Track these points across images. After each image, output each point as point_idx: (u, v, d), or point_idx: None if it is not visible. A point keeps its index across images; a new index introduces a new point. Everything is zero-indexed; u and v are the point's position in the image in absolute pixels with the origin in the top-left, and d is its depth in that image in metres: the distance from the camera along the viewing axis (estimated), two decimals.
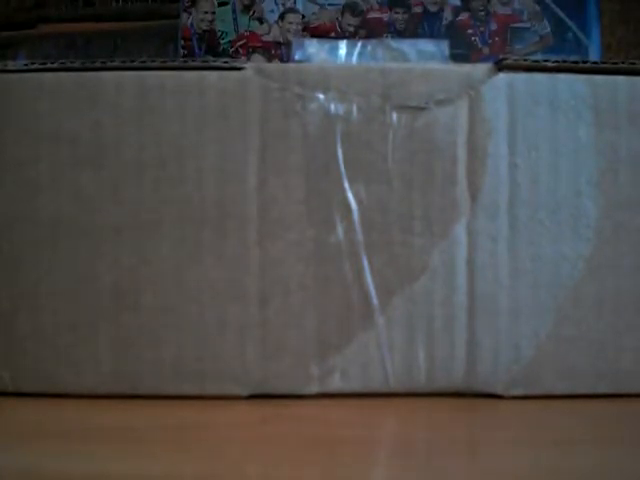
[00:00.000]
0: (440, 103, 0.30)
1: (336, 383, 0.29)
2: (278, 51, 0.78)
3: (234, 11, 0.79)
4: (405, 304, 0.30)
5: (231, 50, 0.79)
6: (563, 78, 0.30)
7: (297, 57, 0.31)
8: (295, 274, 0.29)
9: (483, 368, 0.30)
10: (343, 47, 0.33)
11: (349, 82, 0.29)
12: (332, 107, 0.29)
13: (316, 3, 0.79)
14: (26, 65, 0.27)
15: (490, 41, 0.75)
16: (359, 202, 0.29)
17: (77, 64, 0.27)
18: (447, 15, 0.77)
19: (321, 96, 0.29)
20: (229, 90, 0.28)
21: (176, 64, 0.27)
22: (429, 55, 0.35)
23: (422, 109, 0.30)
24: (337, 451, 0.22)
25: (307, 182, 0.29)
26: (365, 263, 0.29)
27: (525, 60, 0.30)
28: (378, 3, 0.78)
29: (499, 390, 0.30)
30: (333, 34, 0.79)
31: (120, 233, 0.28)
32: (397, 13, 0.78)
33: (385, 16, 0.78)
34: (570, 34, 0.72)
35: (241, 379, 0.28)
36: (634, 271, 0.31)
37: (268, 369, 0.29)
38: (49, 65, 0.27)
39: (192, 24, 0.78)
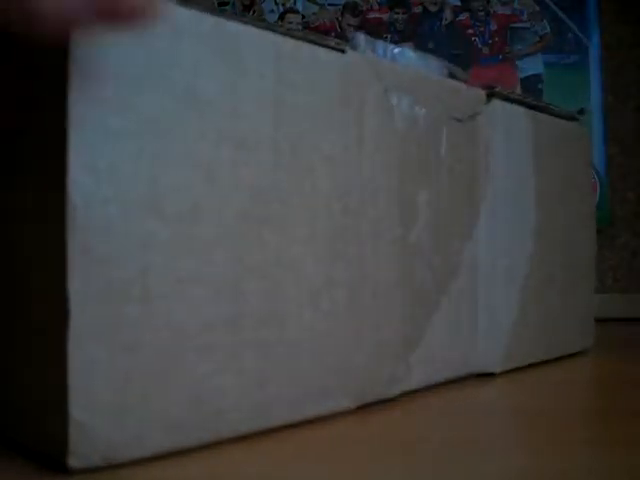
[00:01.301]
0: (470, 118, 0.33)
1: (419, 376, 0.30)
2: None
3: (234, 11, 0.78)
4: (449, 302, 0.32)
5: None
6: (522, 111, 0.36)
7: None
8: (383, 273, 0.28)
9: (484, 351, 0.34)
10: (410, 52, 0.33)
11: (423, 88, 0.30)
12: (414, 109, 0.29)
13: (316, 3, 0.79)
14: None
15: (490, 41, 0.75)
16: (427, 204, 0.30)
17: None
18: (447, 15, 0.77)
19: (409, 98, 0.29)
20: (339, 71, 0.26)
21: (298, 34, 0.25)
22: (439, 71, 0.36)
23: (460, 121, 0.32)
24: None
25: (399, 181, 0.29)
26: (429, 262, 0.30)
27: (512, 92, 0.35)
28: (378, 3, 0.78)
29: (494, 368, 0.34)
30: (333, 34, 0.79)
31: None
32: (397, 13, 0.78)
33: (385, 16, 0.78)
34: (570, 34, 0.73)
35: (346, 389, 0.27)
36: (564, 262, 0.40)
37: (367, 375, 0.27)
38: None
39: None
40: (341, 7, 0.79)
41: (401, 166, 0.29)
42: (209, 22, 0.22)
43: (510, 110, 0.35)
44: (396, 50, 0.31)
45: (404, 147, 0.29)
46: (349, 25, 0.79)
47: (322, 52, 0.26)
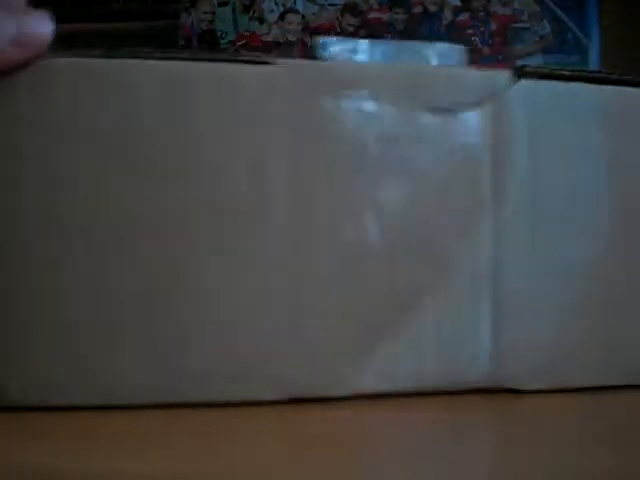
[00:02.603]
0: (467, 106, 0.30)
1: (370, 383, 0.29)
2: (278, 51, 0.79)
3: (234, 11, 0.79)
4: (434, 303, 0.30)
5: (231, 50, 0.79)
6: (577, 87, 0.32)
7: (321, 55, 0.30)
8: (330, 275, 0.28)
9: (507, 364, 0.31)
10: (366, 47, 0.33)
11: (380, 81, 0.29)
12: (364, 106, 0.29)
13: (316, 3, 0.79)
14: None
15: (490, 41, 0.75)
16: (391, 202, 0.29)
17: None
18: (447, 15, 0.77)
19: (353, 94, 0.28)
20: (262, 86, 0.27)
21: (208, 56, 0.26)
22: (449, 59, 0.35)
23: (450, 111, 0.30)
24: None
25: (340, 182, 0.29)
26: (398, 263, 0.29)
27: (544, 68, 0.31)
28: (378, 3, 0.78)
29: (521, 385, 0.31)
30: (333, 34, 0.79)
31: (140, 231, 0.27)
32: (397, 13, 0.78)
33: (385, 16, 0.78)
34: (570, 34, 0.72)
35: (273, 382, 0.27)
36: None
37: (301, 371, 0.28)
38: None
39: (192, 24, 0.78)
40: (341, 7, 0.79)
41: (344, 169, 0.28)
42: None
43: (555, 89, 0.31)
44: (363, 45, 0.31)
45: (355, 149, 0.28)
46: (349, 25, 0.79)
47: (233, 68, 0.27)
